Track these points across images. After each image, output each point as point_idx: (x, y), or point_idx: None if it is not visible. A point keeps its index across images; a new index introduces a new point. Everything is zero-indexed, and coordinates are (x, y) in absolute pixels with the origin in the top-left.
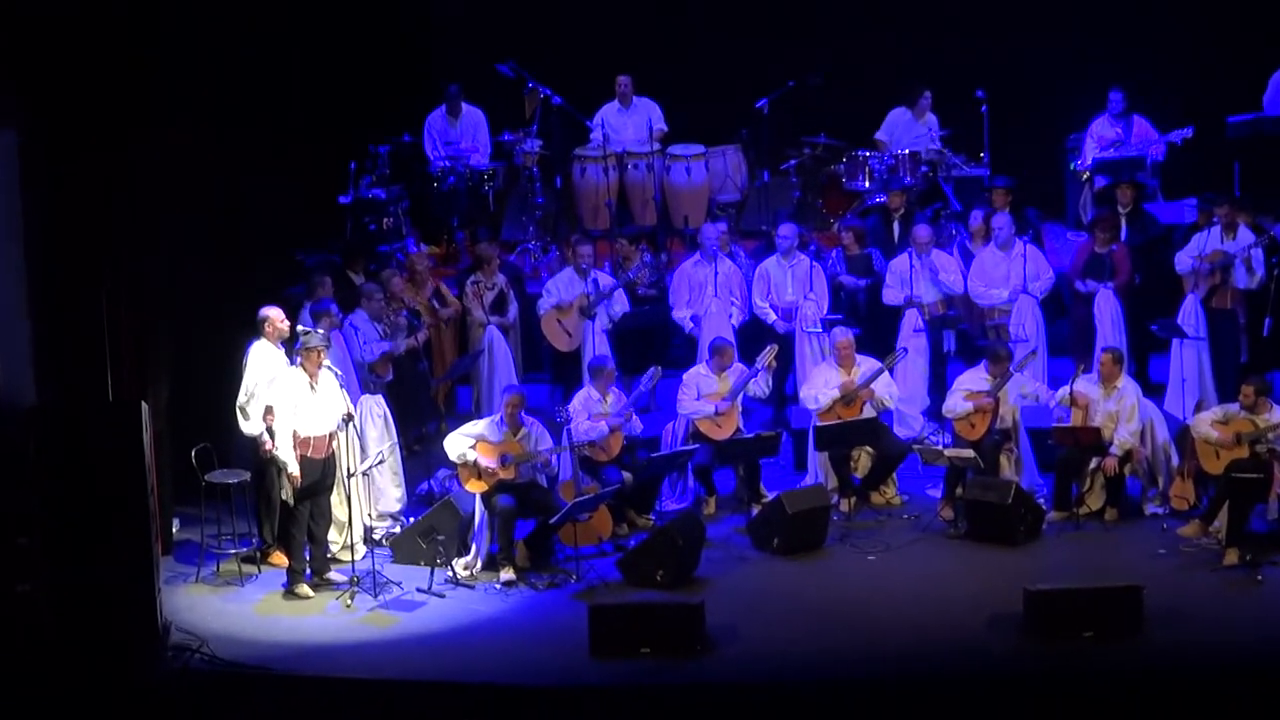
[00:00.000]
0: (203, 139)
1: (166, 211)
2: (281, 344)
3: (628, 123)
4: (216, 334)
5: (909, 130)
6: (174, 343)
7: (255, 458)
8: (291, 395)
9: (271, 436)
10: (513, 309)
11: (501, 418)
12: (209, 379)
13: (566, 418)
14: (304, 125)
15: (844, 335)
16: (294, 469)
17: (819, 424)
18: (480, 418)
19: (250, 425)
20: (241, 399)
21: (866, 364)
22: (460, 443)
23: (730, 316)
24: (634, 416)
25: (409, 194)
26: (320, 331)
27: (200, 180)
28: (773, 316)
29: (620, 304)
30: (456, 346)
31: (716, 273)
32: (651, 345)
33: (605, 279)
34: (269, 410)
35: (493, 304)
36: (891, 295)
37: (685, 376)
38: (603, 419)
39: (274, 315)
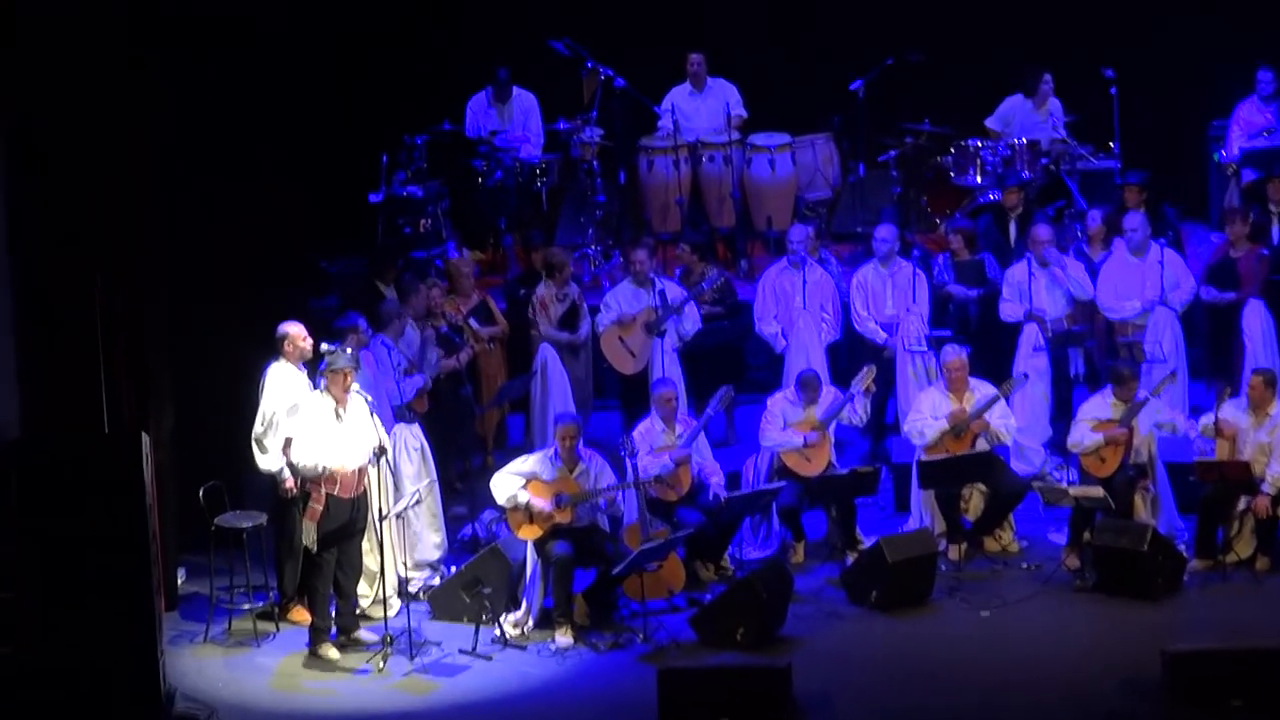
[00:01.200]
0: (212, 132)
1: (171, 214)
2: (304, 365)
3: (701, 108)
4: (229, 354)
5: (1030, 122)
6: (179, 364)
7: (273, 498)
8: (316, 425)
9: (293, 473)
10: (585, 325)
11: (556, 451)
12: (220, 406)
13: (630, 450)
14: (329, 113)
15: (954, 355)
16: (314, 506)
17: (924, 459)
18: (532, 451)
19: (268, 460)
20: (257, 429)
21: (980, 389)
22: (509, 481)
23: (820, 333)
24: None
25: (450, 191)
26: (348, 351)
27: (210, 178)
28: (882, 335)
29: (692, 320)
30: (508, 368)
31: (805, 282)
32: (729, 366)
33: (674, 290)
34: (289, 443)
35: (562, 317)
36: (1008, 309)
37: (769, 403)
38: (667, 451)
39: (295, 333)
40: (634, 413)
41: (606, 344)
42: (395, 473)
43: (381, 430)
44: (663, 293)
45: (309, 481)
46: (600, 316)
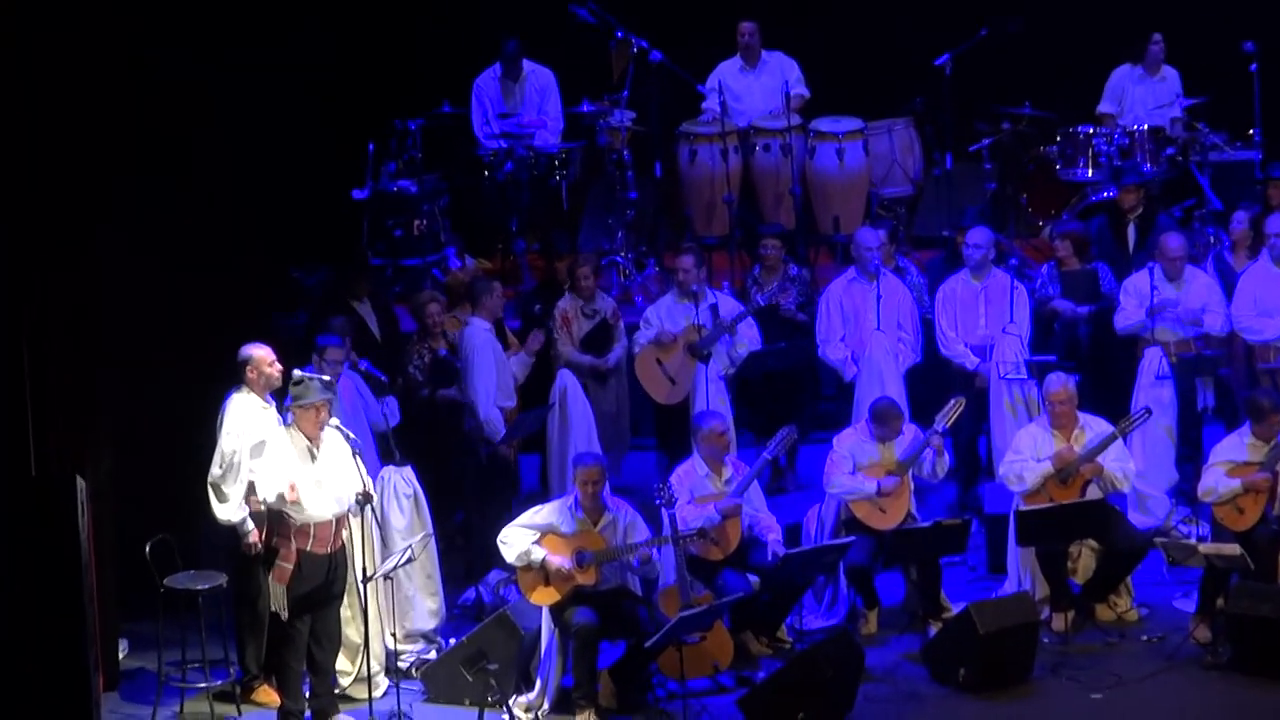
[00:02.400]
0: (160, 116)
1: (111, 213)
2: (271, 396)
3: (755, 87)
4: (181, 383)
5: (1144, 95)
6: (122, 394)
7: (234, 555)
8: (285, 467)
9: (258, 524)
10: (618, 349)
11: (576, 500)
12: (170, 445)
13: (667, 498)
14: (305, 93)
15: (1060, 384)
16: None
17: (1023, 509)
18: (549, 500)
19: (227, 509)
20: (215, 472)
21: (1091, 426)
22: (521, 535)
23: (898, 357)
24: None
25: (449, 187)
26: (323, 379)
27: (158, 170)
28: (972, 360)
29: (747, 340)
30: (521, 398)
31: (879, 296)
32: (789, 398)
33: (728, 303)
34: (253, 489)
35: (587, 337)
36: (1125, 316)
37: (836, 441)
38: (712, 500)
39: (260, 356)
40: (673, 453)
41: (642, 368)
42: (383, 524)
43: (365, 474)
44: (714, 307)
45: (277, 535)
46: (638, 335)
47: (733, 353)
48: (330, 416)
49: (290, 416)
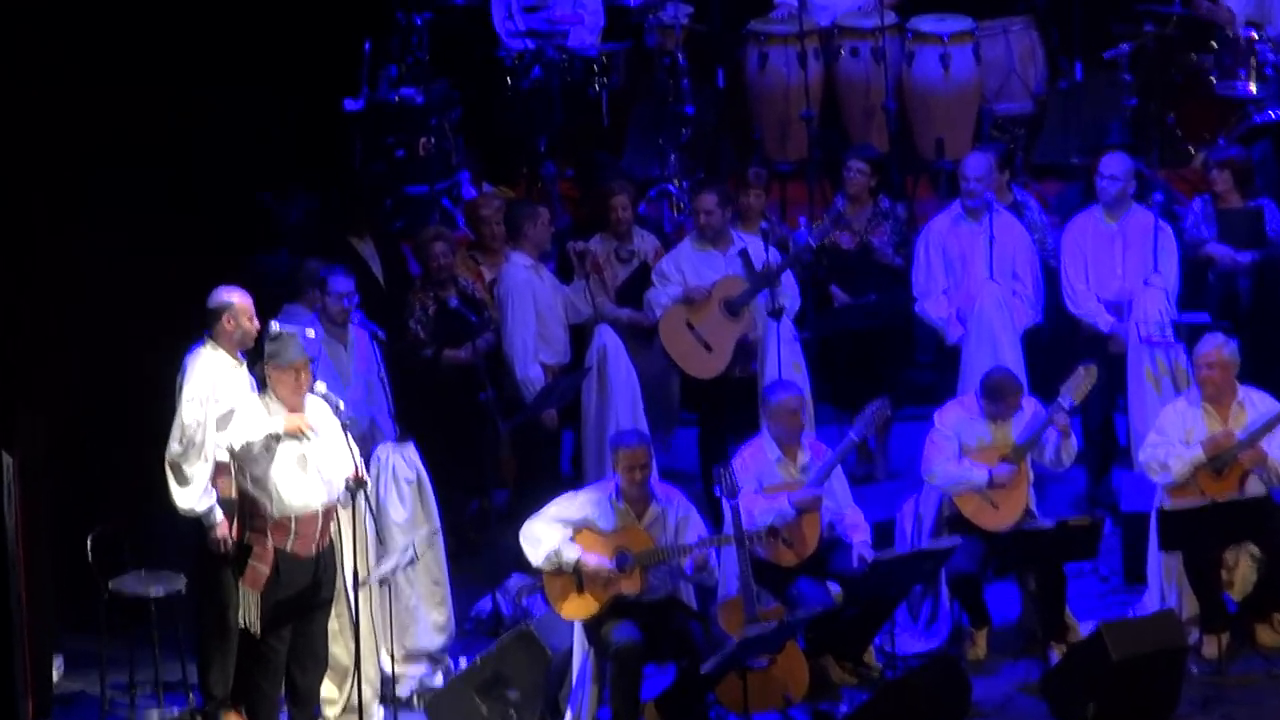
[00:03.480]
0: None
1: (50, 130)
2: (243, 354)
3: None
4: (134, 335)
5: None
6: (62, 348)
7: (197, 552)
8: (259, 440)
9: (229, 514)
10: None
11: (617, 488)
12: (117, 415)
13: (729, 487)
14: None
15: (1214, 349)
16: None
17: (1168, 506)
18: (583, 487)
19: (188, 495)
20: (174, 449)
21: (1254, 403)
22: (550, 531)
23: (1014, 315)
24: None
25: (463, 97)
26: (303, 332)
27: (109, 77)
28: (1107, 319)
29: (789, 294)
30: None
31: (992, 239)
32: (881, 364)
33: (757, 248)
34: (223, 469)
35: (625, 286)
36: None
37: (937, 418)
38: (785, 491)
39: (240, 304)
40: (715, 435)
41: (669, 334)
42: (379, 517)
43: (357, 453)
44: (744, 252)
45: (250, 529)
46: (654, 295)
47: (772, 309)
48: (313, 380)
49: (260, 380)
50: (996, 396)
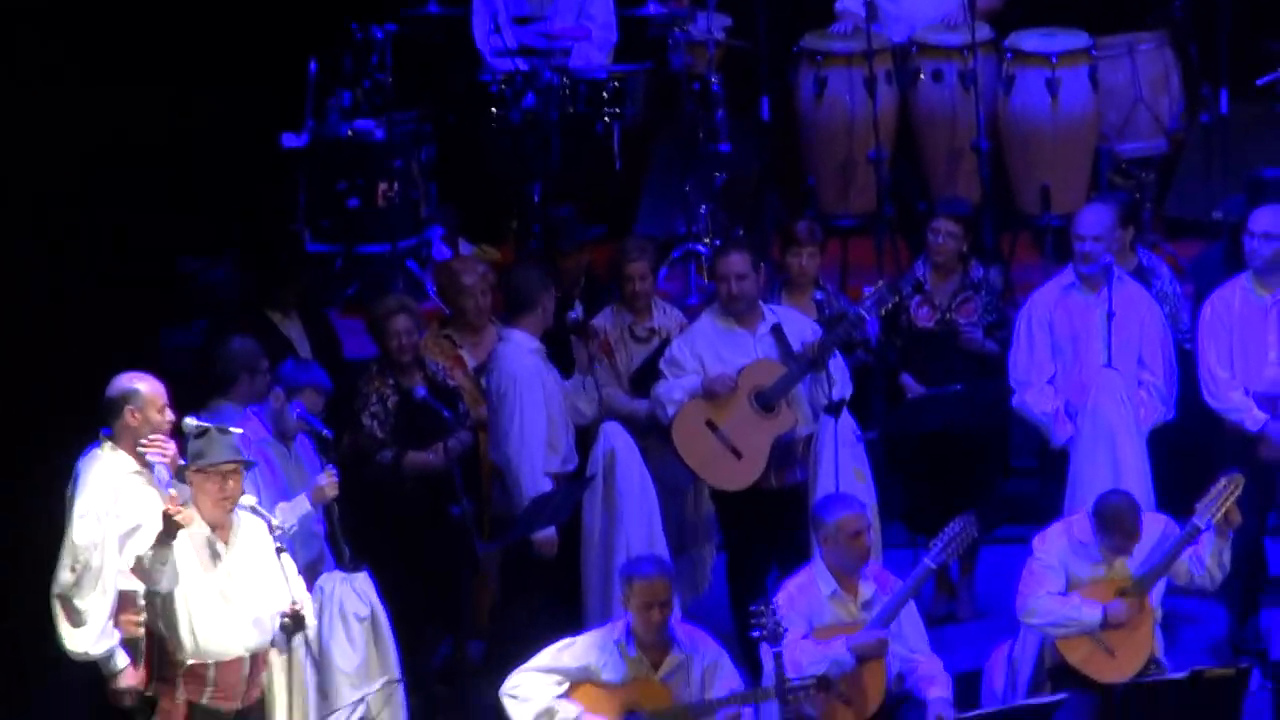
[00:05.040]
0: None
1: None
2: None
3: None
4: (15, 433)
5: None
6: None
7: (97, 709)
8: (149, 554)
9: (134, 658)
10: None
11: (628, 629)
12: None
13: (771, 629)
14: None
15: None
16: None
17: None
18: (584, 630)
19: (83, 636)
20: (64, 578)
21: None
22: (540, 685)
23: (1139, 410)
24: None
25: (436, 132)
26: (229, 432)
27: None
28: (1258, 416)
29: (839, 379)
30: None
31: (1111, 313)
32: (967, 472)
33: (798, 322)
34: (128, 602)
35: (640, 374)
36: None
37: (1037, 544)
38: (843, 633)
39: (148, 393)
40: (749, 561)
41: (684, 437)
42: (322, 664)
43: (299, 583)
44: (777, 328)
45: (158, 678)
46: (663, 388)
47: (816, 401)
48: (243, 491)
49: (179, 488)
50: (1114, 529)
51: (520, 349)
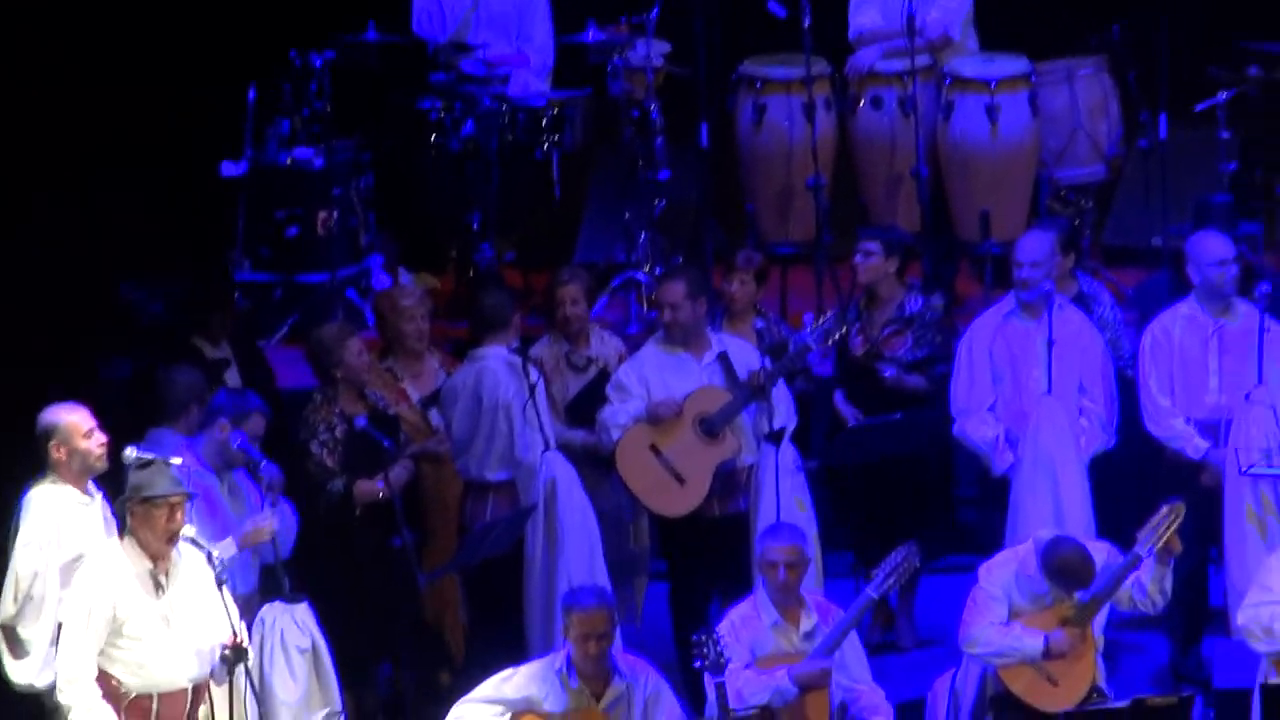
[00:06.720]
0: None
1: None
2: (98, 486)
3: (863, 6)
4: None
5: None
6: None
7: None
8: (111, 599)
9: (76, 691)
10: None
11: (569, 659)
12: None
13: (713, 658)
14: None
15: None
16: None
17: (1276, 682)
18: (526, 661)
19: (25, 668)
20: (6, 610)
21: None
22: (481, 716)
23: (1079, 439)
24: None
25: (374, 159)
26: (171, 463)
27: None
28: (1199, 444)
29: (782, 409)
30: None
31: (1052, 341)
32: (908, 501)
33: (743, 350)
34: (69, 633)
35: (577, 402)
36: None
37: (983, 574)
38: (785, 663)
39: (70, 424)
40: (691, 591)
41: (628, 462)
42: (263, 696)
43: (236, 616)
44: (723, 356)
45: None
46: (608, 412)
47: (760, 429)
48: (186, 522)
49: (120, 521)
50: (1068, 581)
51: (499, 360)
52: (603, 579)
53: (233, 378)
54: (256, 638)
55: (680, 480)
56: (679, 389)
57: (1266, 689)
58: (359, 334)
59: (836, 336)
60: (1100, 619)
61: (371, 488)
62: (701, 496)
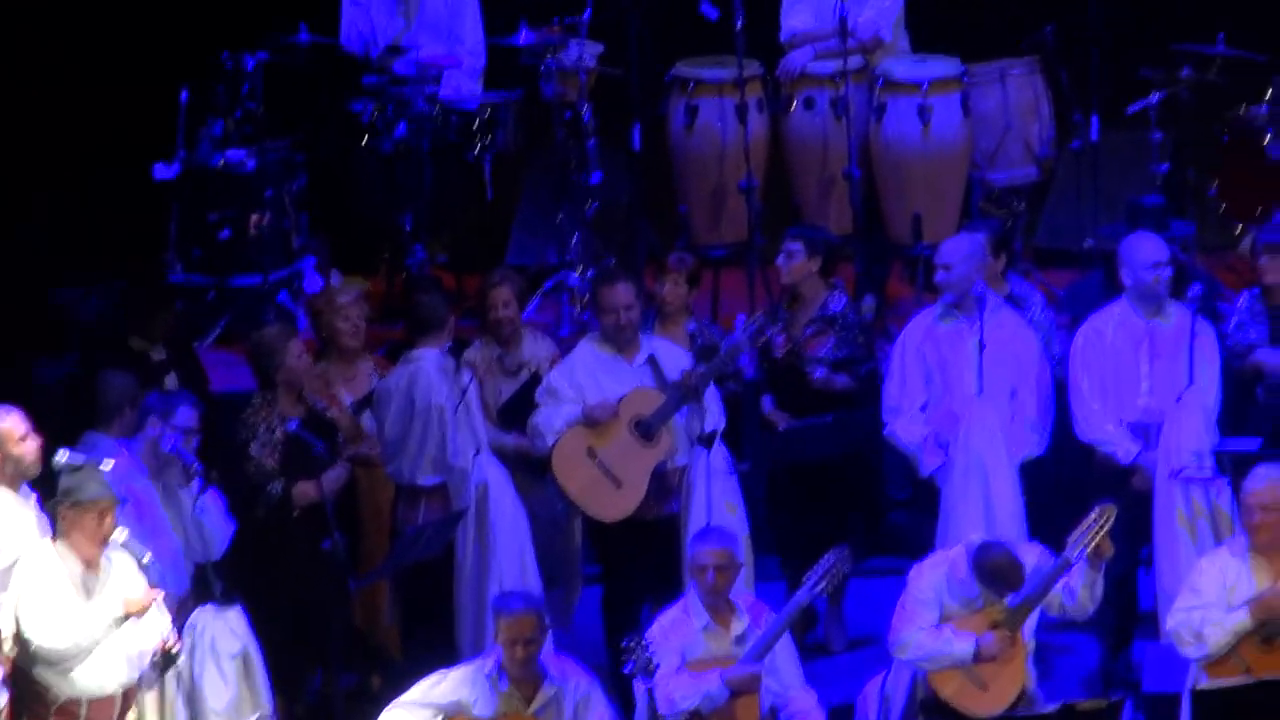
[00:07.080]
0: None
1: None
2: (32, 490)
3: (796, 5)
4: None
5: None
6: None
7: None
8: (48, 603)
9: (19, 690)
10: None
11: (499, 663)
12: None
13: (644, 663)
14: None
15: (1267, 485)
16: None
17: (1205, 685)
18: (456, 664)
19: None
20: None
21: None
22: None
23: (1010, 441)
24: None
25: (307, 160)
26: (101, 467)
27: None
28: (1130, 447)
29: (713, 411)
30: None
31: (983, 344)
32: (838, 504)
33: (671, 352)
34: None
35: (509, 406)
36: None
37: (912, 577)
38: (716, 667)
39: (7, 430)
40: (624, 595)
41: (564, 465)
42: (193, 700)
43: (168, 619)
44: (652, 359)
45: (26, 715)
46: (541, 417)
47: (692, 431)
48: (116, 526)
49: (54, 524)
50: (998, 583)
51: (433, 363)
52: (534, 583)
53: (171, 381)
54: (188, 642)
55: (617, 483)
56: (612, 391)
57: (1196, 694)
58: (294, 333)
59: (767, 336)
60: (1031, 623)
61: (307, 491)
62: (639, 499)
